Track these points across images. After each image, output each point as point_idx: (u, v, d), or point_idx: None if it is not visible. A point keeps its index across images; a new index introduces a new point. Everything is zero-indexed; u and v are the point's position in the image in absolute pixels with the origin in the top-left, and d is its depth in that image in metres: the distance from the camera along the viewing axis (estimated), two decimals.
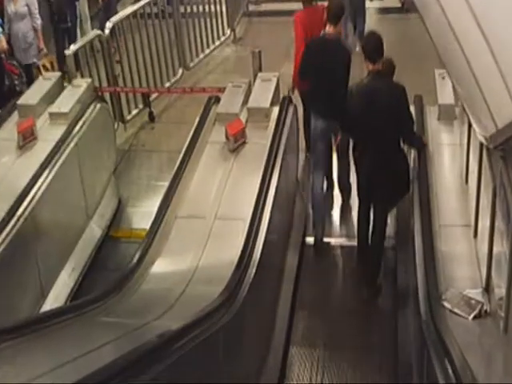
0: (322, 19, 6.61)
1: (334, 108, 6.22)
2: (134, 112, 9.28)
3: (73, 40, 9.49)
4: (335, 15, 6.46)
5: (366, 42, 6.12)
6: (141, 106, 9.30)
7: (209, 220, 5.19)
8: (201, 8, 10.76)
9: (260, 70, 7.23)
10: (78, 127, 6.95)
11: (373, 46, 5.88)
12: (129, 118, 9.19)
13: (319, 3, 7.61)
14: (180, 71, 10.12)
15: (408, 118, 5.97)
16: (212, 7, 11.00)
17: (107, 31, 8.58)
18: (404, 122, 5.92)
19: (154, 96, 9.40)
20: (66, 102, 7.11)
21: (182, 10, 10.35)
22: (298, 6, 7.88)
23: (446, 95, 6.59)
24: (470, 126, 5.42)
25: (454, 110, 6.47)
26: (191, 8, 10.52)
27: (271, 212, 5.21)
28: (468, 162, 5.57)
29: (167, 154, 8.49)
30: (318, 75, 6.48)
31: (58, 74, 7.61)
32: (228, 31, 11.23)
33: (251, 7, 12.17)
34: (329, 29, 6.46)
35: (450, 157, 6.13)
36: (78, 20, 10.34)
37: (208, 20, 10.76)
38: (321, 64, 6.42)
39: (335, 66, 6.35)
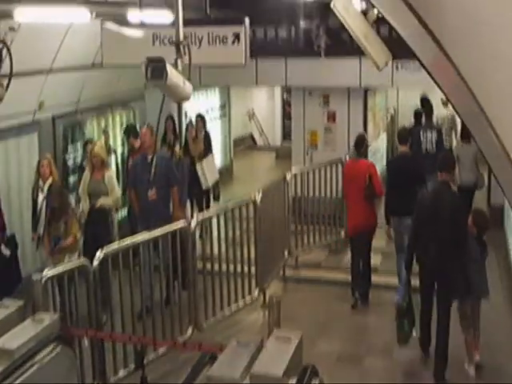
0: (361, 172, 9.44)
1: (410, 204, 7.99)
2: (122, 374, 7.31)
3: None
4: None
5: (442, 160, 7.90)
6: (132, 366, 7.32)
7: None
8: (224, 267, 8.93)
9: (278, 325, 5.31)
10: (22, 371, 5.15)
11: (444, 159, 7.89)
12: (113, 380, 7.20)
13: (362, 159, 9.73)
14: (189, 331, 8.23)
15: (463, 224, 7.31)
16: (238, 266, 9.21)
17: (96, 262, 6.82)
18: (460, 228, 7.28)
19: (150, 358, 7.43)
20: (17, 337, 5.41)
21: (199, 266, 8.62)
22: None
23: None
24: None
25: None
26: (211, 265, 8.80)
27: None
28: None
29: None
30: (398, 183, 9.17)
31: (20, 302, 5.89)
32: (256, 292, 9.28)
33: (288, 272, 10.51)
34: None
35: None
36: None
37: (232, 275, 9.04)
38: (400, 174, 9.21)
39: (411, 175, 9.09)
